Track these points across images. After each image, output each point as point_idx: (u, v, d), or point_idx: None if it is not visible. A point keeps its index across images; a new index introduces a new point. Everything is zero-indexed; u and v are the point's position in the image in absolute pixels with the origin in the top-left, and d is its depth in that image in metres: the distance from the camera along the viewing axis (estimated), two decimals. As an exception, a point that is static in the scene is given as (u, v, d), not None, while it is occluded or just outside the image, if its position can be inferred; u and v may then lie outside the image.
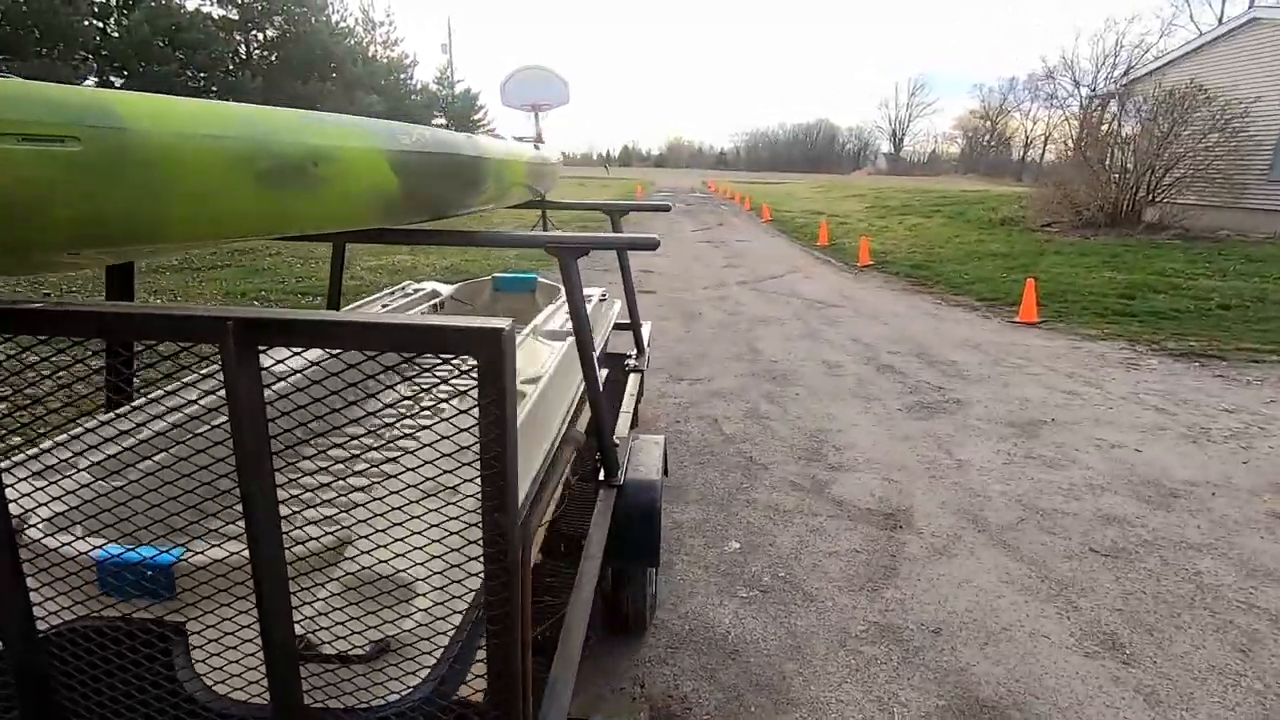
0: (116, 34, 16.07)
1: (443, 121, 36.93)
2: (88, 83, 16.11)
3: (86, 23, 14.09)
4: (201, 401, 2.22)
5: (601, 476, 2.46)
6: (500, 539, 1.08)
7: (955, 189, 33.83)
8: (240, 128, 1.33)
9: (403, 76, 30.58)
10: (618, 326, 4.78)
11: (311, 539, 1.52)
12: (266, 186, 1.38)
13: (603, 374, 3.80)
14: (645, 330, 4.71)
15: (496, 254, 11.35)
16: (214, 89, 18.39)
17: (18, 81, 0.91)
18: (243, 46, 21.18)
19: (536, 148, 3.14)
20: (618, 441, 2.76)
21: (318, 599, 1.41)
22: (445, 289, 4.49)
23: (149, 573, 1.41)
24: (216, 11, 20.59)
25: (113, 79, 16.64)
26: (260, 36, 21.69)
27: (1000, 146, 77.05)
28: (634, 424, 3.73)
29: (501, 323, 1.03)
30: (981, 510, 3.79)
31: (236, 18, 20.86)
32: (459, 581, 1.28)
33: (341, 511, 1.67)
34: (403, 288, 4.39)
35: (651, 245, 2.35)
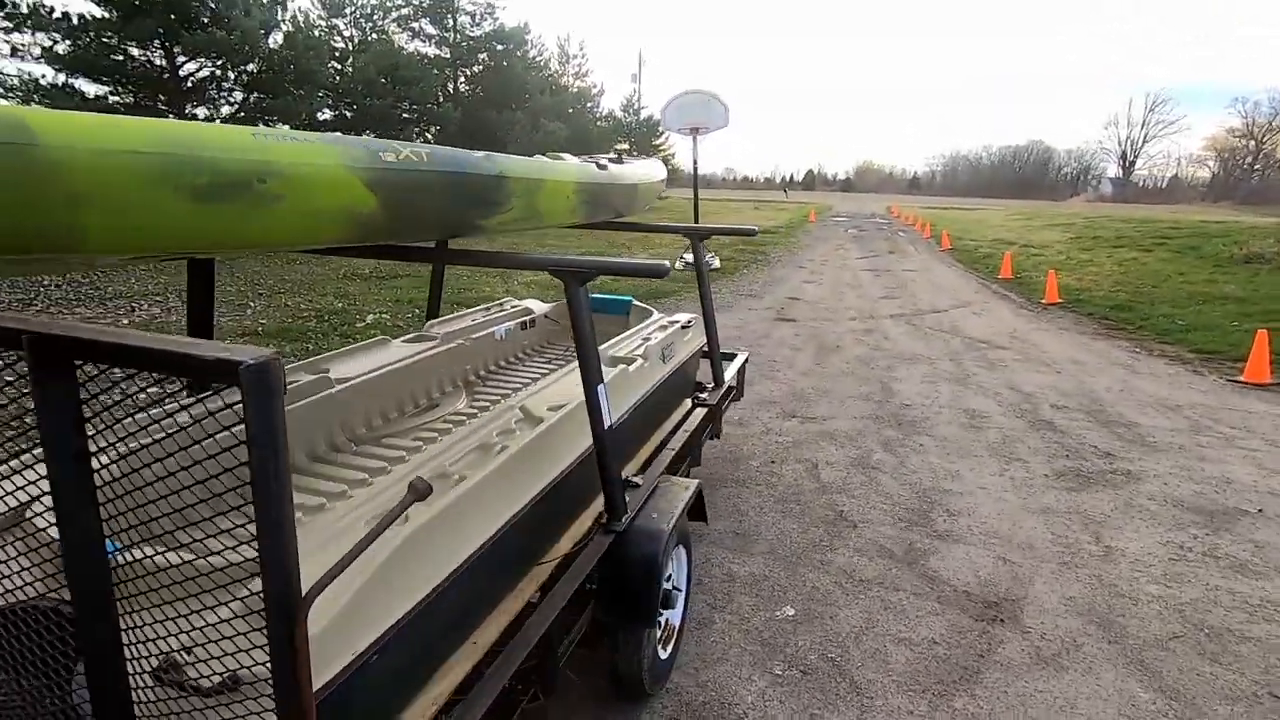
0: (349, 73, 18.74)
1: (625, 146, 38.65)
2: (323, 115, 18.95)
3: (326, 66, 16.60)
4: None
5: (605, 519, 2.27)
6: (281, 609, 0.95)
7: (1193, 219, 28.85)
8: (172, 145, 1.34)
9: (589, 105, 32.47)
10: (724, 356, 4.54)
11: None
12: (205, 202, 1.38)
13: (683, 411, 3.60)
14: (736, 362, 4.42)
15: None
16: (423, 119, 20.77)
17: None
18: (450, 83, 23.73)
19: (602, 166, 3.03)
20: (638, 481, 2.55)
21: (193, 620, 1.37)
22: (541, 307, 4.55)
23: None
24: (432, 51, 23.34)
25: (345, 112, 19.39)
26: (466, 73, 24.19)
27: (1269, 170, 64.64)
28: (694, 462, 3.48)
29: (263, 353, 0.91)
30: (1121, 616, 3.03)
31: (448, 56, 23.46)
32: None
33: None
34: (500, 303, 4.51)
35: (660, 273, 2.14)
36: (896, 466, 4.60)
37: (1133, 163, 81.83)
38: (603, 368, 3.03)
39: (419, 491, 1.14)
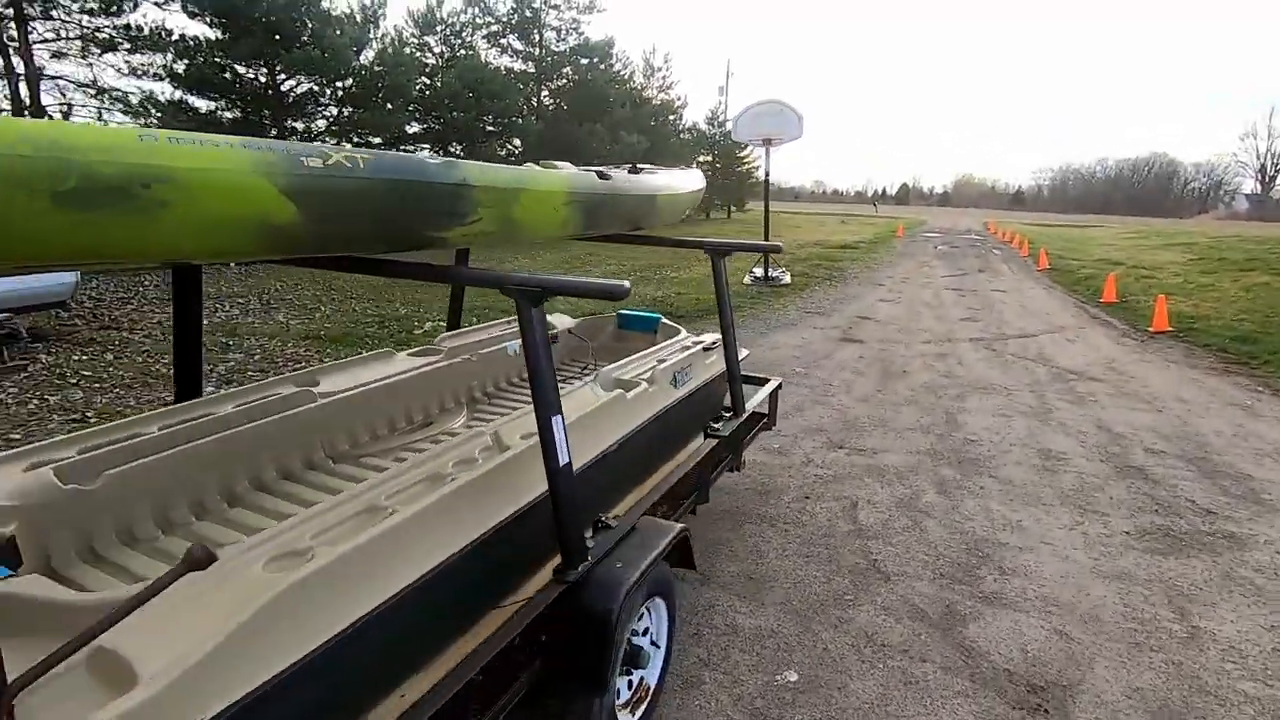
0: (438, 87, 19.45)
1: (709, 159, 38.38)
2: (412, 128, 19.72)
3: (413, 81, 17.29)
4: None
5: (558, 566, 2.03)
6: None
7: (1345, 240, 25.63)
8: (33, 146, 1.21)
9: (672, 118, 32.46)
10: (748, 379, 4.23)
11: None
12: (70, 208, 1.25)
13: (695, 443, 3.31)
14: (767, 387, 4.08)
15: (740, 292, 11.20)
16: (506, 132, 21.28)
17: None
18: (534, 97, 24.27)
19: (604, 176, 2.81)
20: (612, 523, 2.30)
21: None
22: (566, 322, 4.37)
23: None
24: (518, 66, 23.96)
25: (433, 125, 20.12)
26: (549, 87, 24.68)
27: None
28: (701, 499, 3.19)
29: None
30: (1202, 719, 2.50)
31: (533, 70, 24.02)
32: None
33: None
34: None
35: (618, 294, 1.89)
36: (948, 511, 4.12)
37: (1273, 177, 74.10)
38: (597, 389, 2.83)
39: (195, 560, 0.95)
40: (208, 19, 13.90)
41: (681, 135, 34.58)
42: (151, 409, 3.28)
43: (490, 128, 21.08)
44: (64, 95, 12.63)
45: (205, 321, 8.93)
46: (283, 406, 2.63)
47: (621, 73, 27.98)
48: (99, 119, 13.18)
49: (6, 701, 0.79)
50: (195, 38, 13.87)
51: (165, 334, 7.90)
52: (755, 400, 3.91)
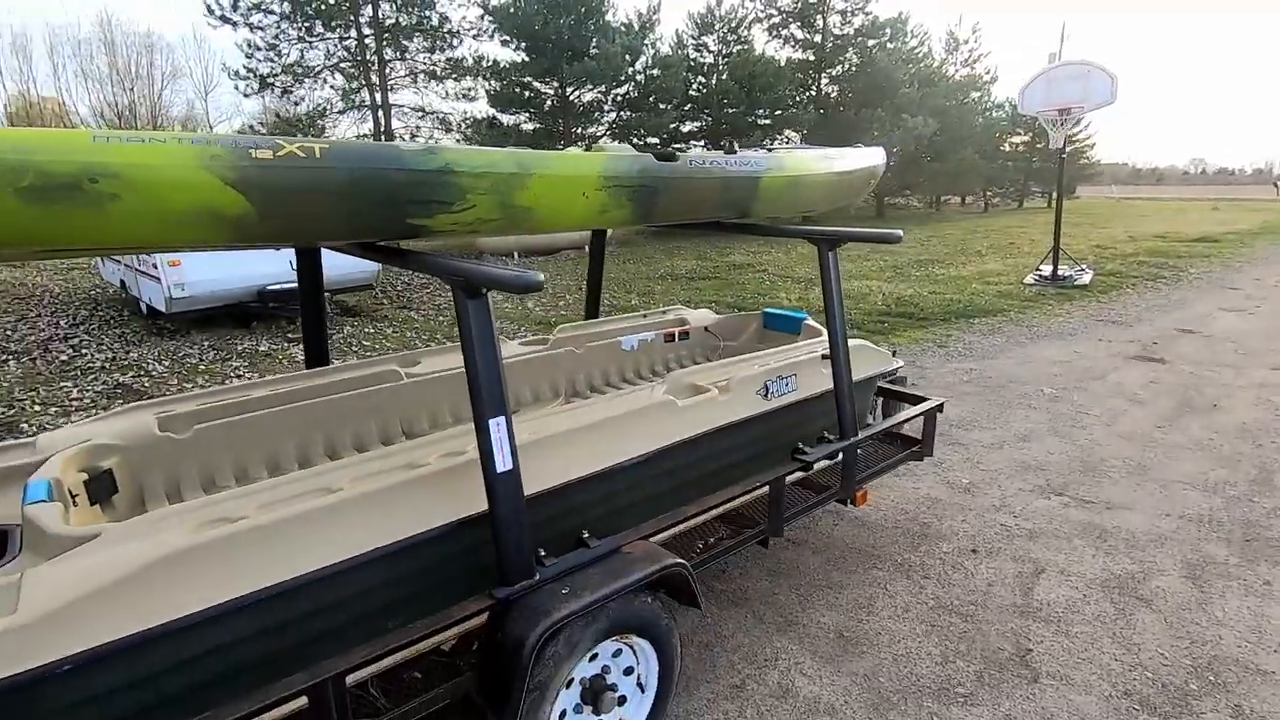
0: (712, 85, 19.90)
1: (1027, 138, 33.13)
2: (687, 127, 20.46)
3: (682, 81, 17.94)
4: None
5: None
6: None
7: None
8: None
9: (976, 95, 28.65)
10: (901, 396, 3.54)
11: None
12: (33, 202, 1.48)
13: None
14: (918, 408, 3.34)
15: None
16: (778, 124, 20.91)
17: None
18: (813, 85, 23.39)
19: (667, 157, 2.51)
20: (592, 542, 2.06)
21: None
22: (701, 319, 4.10)
23: None
24: (798, 55, 23.30)
25: (705, 120, 20.64)
26: (830, 73, 23.55)
27: None
28: (773, 532, 2.70)
29: None
30: None
31: (812, 58, 23.16)
32: None
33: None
34: (662, 310, 4.20)
35: (527, 287, 1.65)
36: (1188, 607, 2.93)
37: None
38: (659, 392, 2.56)
39: None
40: (513, 45, 16.09)
41: (991, 113, 30.47)
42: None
43: (764, 120, 20.92)
44: (405, 122, 15.76)
45: (448, 309, 10.41)
46: (367, 383, 2.88)
47: (916, 50, 25.54)
48: (431, 138, 16.19)
49: None
50: (496, 62, 16.19)
51: (440, 314, 9.39)
52: (900, 420, 3.22)
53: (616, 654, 2.05)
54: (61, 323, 8.46)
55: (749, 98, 19.42)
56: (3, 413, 5.35)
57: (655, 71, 17.45)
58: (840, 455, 2.87)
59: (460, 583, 1.92)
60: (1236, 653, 2.65)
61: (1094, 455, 4.56)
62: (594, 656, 1.98)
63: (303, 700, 1.56)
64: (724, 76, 19.41)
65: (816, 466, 3.01)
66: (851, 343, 3.37)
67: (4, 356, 6.99)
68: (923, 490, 4.06)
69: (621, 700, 2.09)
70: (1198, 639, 2.73)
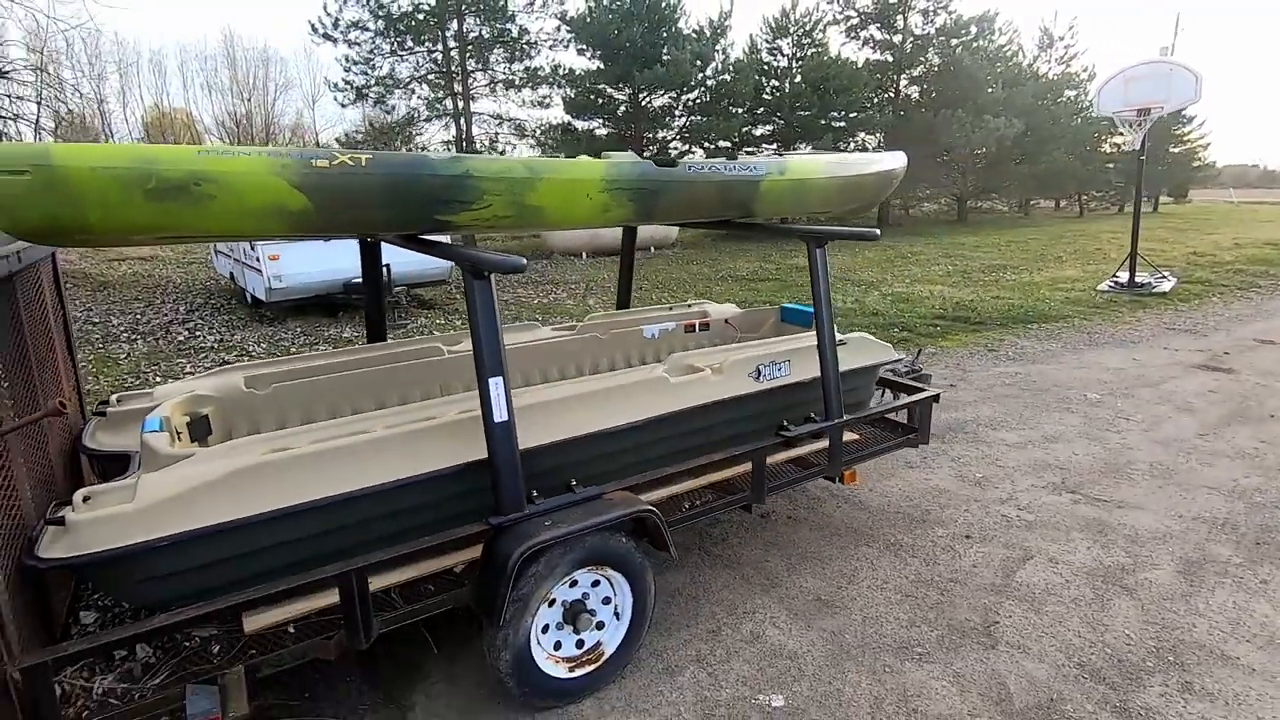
0: (785, 89, 19.94)
1: (1122, 140, 31.20)
2: (759, 130, 20.56)
3: (751, 85, 18.09)
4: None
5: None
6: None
7: None
8: (132, 160, 1.98)
9: (1072, 94, 27.21)
10: (900, 386, 3.74)
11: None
12: (155, 201, 2.01)
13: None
14: (915, 396, 3.54)
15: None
16: (847, 127, 20.70)
17: (4, 145, 1.82)
18: (891, 87, 22.94)
19: (665, 163, 2.85)
20: (578, 489, 2.43)
21: None
22: (723, 312, 4.41)
23: None
24: (873, 57, 22.93)
25: (777, 124, 20.67)
26: (909, 75, 23.02)
27: None
28: (755, 499, 2.98)
29: None
30: None
31: (890, 59, 22.73)
32: None
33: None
34: (688, 304, 4.54)
35: (514, 268, 2.05)
36: (1170, 597, 3.02)
37: None
38: (659, 370, 2.91)
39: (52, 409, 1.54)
40: (588, 54, 16.72)
41: (1086, 113, 28.83)
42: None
43: (838, 123, 20.75)
44: (484, 129, 16.68)
45: (530, 304, 10.95)
46: (414, 357, 3.37)
47: (1005, 48, 24.59)
48: (508, 144, 17.05)
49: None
50: (571, 70, 16.86)
51: (505, 308, 10.02)
52: (878, 410, 3.45)
53: (595, 584, 2.42)
54: (181, 309, 9.61)
55: (822, 100, 19.34)
56: (132, 382, 6.26)
57: (726, 76, 17.68)
58: (826, 435, 3.13)
59: (469, 517, 2.33)
60: (1206, 639, 2.75)
61: (1121, 458, 4.56)
62: (574, 584, 2.36)
63: (335, 598, 2.02)
64: (797, 79, 19.41)
65: (810, 446, 3.30)
66: (853, 335, 3.63)
67: (135, 336, 8.07)
68: (933, 481, 4.22)
69: (600, 626, 2.46)
70: (1169, 625, 2.84)
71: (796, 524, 3.69)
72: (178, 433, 2.61)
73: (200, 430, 2.80)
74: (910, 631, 2.81)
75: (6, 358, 2.16)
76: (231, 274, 10.16)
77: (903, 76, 23.00)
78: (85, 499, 2.00)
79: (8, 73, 11.54)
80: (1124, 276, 10.68)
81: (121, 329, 8.41)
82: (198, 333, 8.34)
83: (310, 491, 2.09)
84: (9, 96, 11.57)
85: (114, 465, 2.56)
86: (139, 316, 9.09)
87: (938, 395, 3.59)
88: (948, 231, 21.64)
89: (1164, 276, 10.70)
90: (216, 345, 7.73)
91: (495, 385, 2.21)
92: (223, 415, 2.88)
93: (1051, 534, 3.58)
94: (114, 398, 2.95)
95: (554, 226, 2.73)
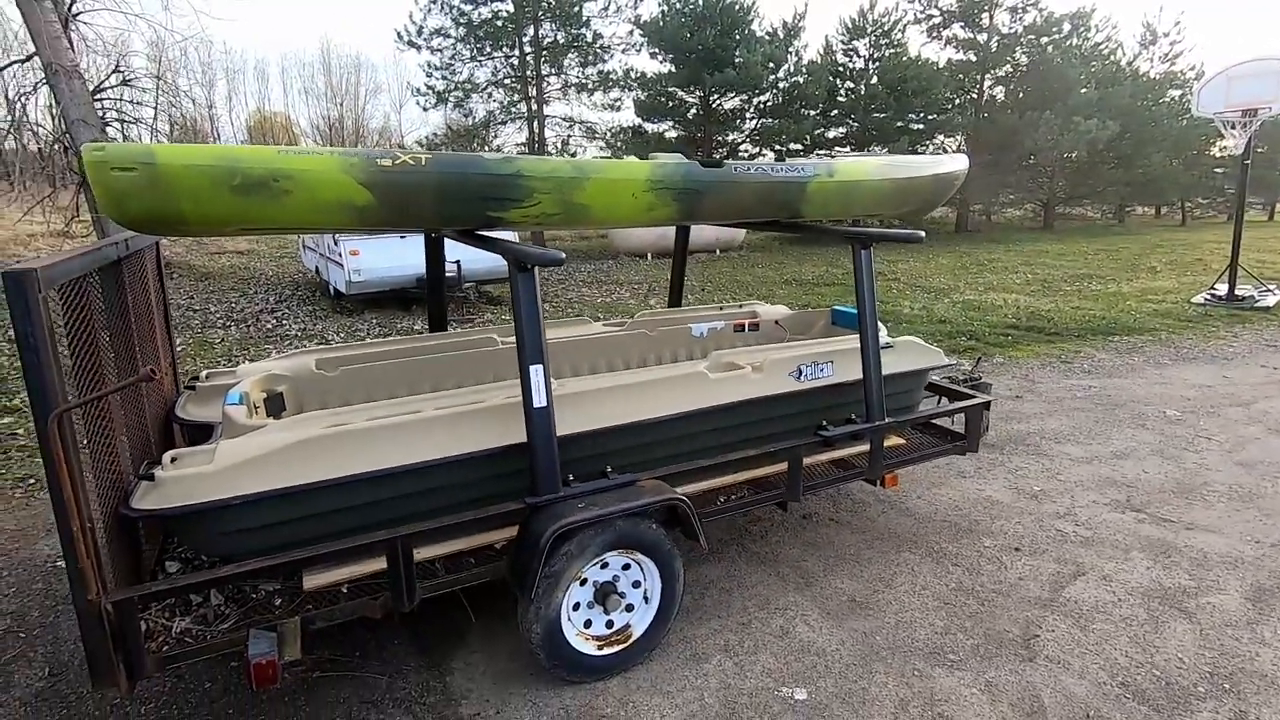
0: (861, 91, 19.55)
1: (1229, 143, 28.97)
2: (832, 132, 20.19)
3: (833, 86, 17.80)
4: None
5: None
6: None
7: None
8: (219, 159, 2.20)
9: (1176, 93, 25.43)
10: (949, 392, 3.68)
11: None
12: (240, 195, 2.24)
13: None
14: (969, 401, 3.48)
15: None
16: (925, 129, 20.06)
17: (115, 145, 2.09)
18: (974, 88, 22.08)
19: (712, 164, 2.92)
20: (612, 475, 2.54)
21: None
22: (773, 313, 4.42)
23: None
24: (956, 57, 22.12)
25: (851, 125, 20.26)
26: (994, 75, 22.09)
27: None
28: (791, 497, 3.01)
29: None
30: None
31: (974, 59, 21.89)
32: None
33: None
34: (739, 304, 4.57)
35: (553, 262, 2.16)
36: (1231, 625, 2.86)
37: None
38: (699, 366, 2.99)
39: (144, 375, 1.75)
40: (660, 58, 16.88)
41: (1189, 115, 26.89)
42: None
43: (915, 125, 20.17)
44: (556, 131, 17.07)
45: (593, 303, 11.15)
46: (470, 346, 3.56)
47: (1101, 46, 23.29)
48: (580, 147, 17.41)
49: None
50: (643, 73, 17.04)
51: (570, 306, 10.26)
52: (924, 414, 3.40)
53: (626, 567, 2.52)
54: (271, 299, 10.31)
55: (899, 102, 18.84)
56: (225, 363, 6.80)
57: (799, 78, 17.48)
58: (866, 437, 3.12)
59: (509, 498, 2.46)
60: (1269, 670, 2.60)
61: (1196, 479, 4.31)
62: (605, 565, 2.47)
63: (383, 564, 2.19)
64: (873, 81, 18.97)
65: (853, 448, 3.30)
66: (901, 338, 3.60)
67: (229, 323, 8.73)
68: (986, 492, 4.11)
69: (630, 608, 2.55)
70: (1229, 652, 2.70)
71: (838, 526, 3.68)
72: (255, 407, 2.86)
73: (275, 406, 3.05)
74: (944, 638, 2.77)
75: (113, 333, 2.44)
76: (317, 268, 10.82)
77: (987, 77, 22.11)
78: (172, 460, 2.25)
79: (130, 80, 12.67)
80: (1223, 289, 9.96)
81: (218, 316, 9.10)
82: (284, 321, 8.93)
83: (364, 464, 2.27)
84: (131, 102, 12.70)
85: (200, 433, 2.84)
86: (234, 305, 9.81)
87: (989, 402, 3.51)
88: (1030, 239, 20.65)
89: (1269, 290, 9.92)
90: (300, 334, 8.26)
91: (535, 372, 2.34)
92: (295, 393, 3.13)
93: (1109, 551, 3.44)
94: (203, 374, 3.26)
95: (601, 224, 2.84)
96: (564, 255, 2.22)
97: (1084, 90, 20.37)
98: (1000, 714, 2.37)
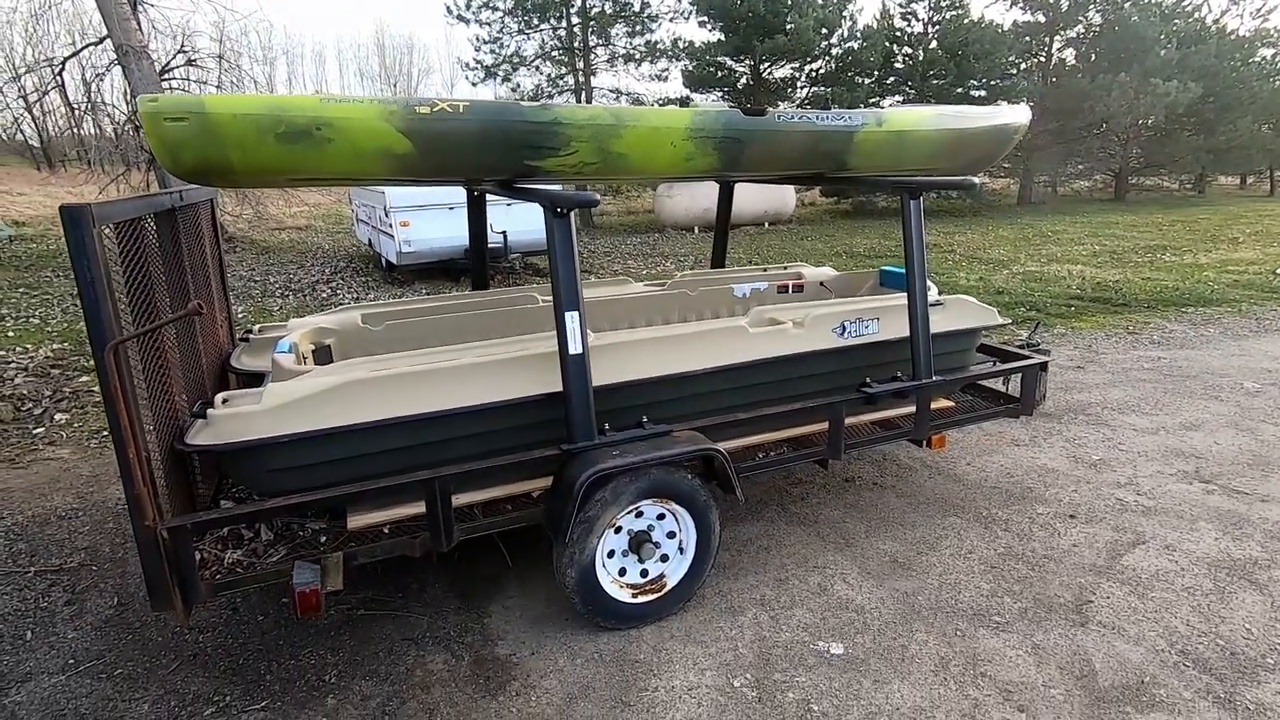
0: (919, 56, 18.76)
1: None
2: (888, 101, 19.51)
3: (890, 52, 17.11)
4: None
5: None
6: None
7: None
8: (264, 107, 2.24)
9: (1269, 52, 23.55)
10: (1002, 353, 3.53)
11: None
12: (284, 144, 2.29)
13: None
14: (1022, 363, 3.33)
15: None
16: (988, 95, 19.15)
17: (167, 96, 2.16)
18: (1043, 51, 20.92)
19: (755, 112, 2.83)
20: (647, 425, 2.52)
21: None
22: (819, 274, 4.31)
23: None
24: (1023, 18, 20.97)
25: (908, 93, 19.50)
26: (1063, 36, 20.86)
27: None
28: (832, 454, 2.94)
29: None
30: None
31: (1043, 20, 20.71)
32: None
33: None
34: (783, 266, 4.47)
35: (589, 203, 2.14)
36: (1312, 598, 2.68)
37: None
38: (739, 322, 2.94)
39: (191, 309, 1.82)
40: (709, 26, 16.52)
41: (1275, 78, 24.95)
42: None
43: (976, 91, 19.27)
44: (603, 103, 16.92)
45: (639, 274, 11.11)
46: (511, 304, 3.59)
47: (1185, 3, 21.72)
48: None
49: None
50: (691, 42, 16.71)
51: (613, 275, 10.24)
52: (974, 374, 3.26)
53: (660, 517, 2.51)
54: (326, 271, 10.62)
55: (959, 68, 18.00)
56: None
57: (854, 44, 16.87)
58: (911, 396, 3.02)
59: (546, 446, 2.47)
60: (1348, 644, 2.43)
61: (1275, 452, 4.05)
62: (639, 514, 2.47)
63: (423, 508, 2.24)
64: (932, 45, 18.17)
65: (899, 409, 3.20)
66: (952, 296, 3.46)
67: (287, 293, 9.04)
68: (1041, 460, 3.95)
69: (664, 558, 2.55)
70: (1303, 625, 2.53)
71: (882, 490, 3.60)
72: (303, 356, 2.95)
73: (323, 357, 3.14)
74: (990, 601, 2.68)
75: (169, 277, 2.54)
76: (370, 240, 11.08)
77: (1056, 38, 20.90)
78: (224, 400, 2.33)
79: (195, 60, 13.12)
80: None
81: (277, 286, 9.43)
82: (339, 291, 9.19)
83: (406, 407, 2.32)
84: (197, 82, 13.16)
85: (254, 382, 2.94)
86: (291, 276, 10.14)
87: (1045, 363, 3.35)
88: (1099, 210, 19.60)
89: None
90: (353, 302, 8.49)
91: (571, 319, 2.34)
92: (342, 346, 3.22)
93: (1173, 521, 3.27)
94: (255, 328, 3.38)
95: (638, 175, 2.79)
96: (599, 197, 2.19)
97: (1163, 50, 19.05)
98: (1046, 676, 2.29)
